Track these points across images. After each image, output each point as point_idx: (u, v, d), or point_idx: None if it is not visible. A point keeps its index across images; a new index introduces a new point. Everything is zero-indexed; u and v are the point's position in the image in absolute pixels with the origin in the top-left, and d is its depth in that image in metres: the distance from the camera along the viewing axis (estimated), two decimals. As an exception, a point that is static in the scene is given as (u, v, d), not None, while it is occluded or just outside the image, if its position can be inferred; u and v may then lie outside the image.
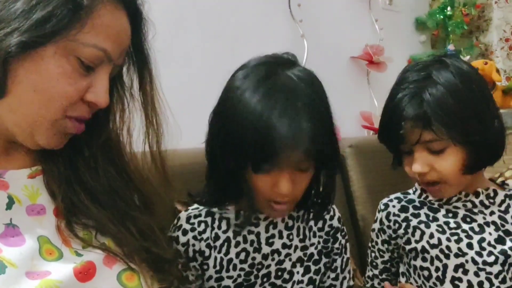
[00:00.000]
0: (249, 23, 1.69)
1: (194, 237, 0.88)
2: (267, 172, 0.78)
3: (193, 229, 0.88)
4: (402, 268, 1.07)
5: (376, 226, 1.08)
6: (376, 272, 1.10)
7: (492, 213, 0.99)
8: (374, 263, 1.10)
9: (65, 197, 0.69)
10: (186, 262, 0.86)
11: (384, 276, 1.10)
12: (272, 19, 1.76)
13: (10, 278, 0.57)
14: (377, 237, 1.08)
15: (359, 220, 1.46)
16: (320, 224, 0.95)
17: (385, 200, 1.09)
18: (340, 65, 1.96)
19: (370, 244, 1.12)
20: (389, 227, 1.05)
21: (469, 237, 0.97)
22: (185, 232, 0.88)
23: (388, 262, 1.09)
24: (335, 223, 0.97)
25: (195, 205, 0.94)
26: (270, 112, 0.74)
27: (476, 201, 0.99)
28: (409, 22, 2.24)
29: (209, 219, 0.90)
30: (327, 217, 0.97)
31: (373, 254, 1.11)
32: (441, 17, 2.17)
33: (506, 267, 0.95)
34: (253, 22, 1.70)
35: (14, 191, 0.66)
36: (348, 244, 1.00)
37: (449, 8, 2.17)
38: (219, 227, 0.89)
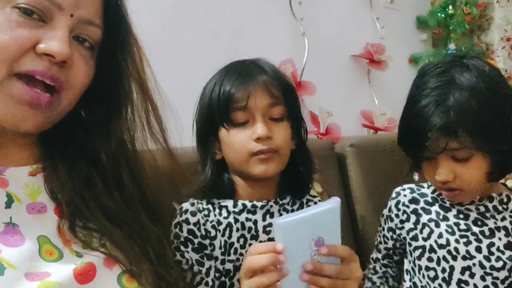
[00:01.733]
0: (249, 21, 1.68)
1: (202, 217, 0.92)
2: (242, 123, 0.89)
3: (199, 211, 0.93)
4: (406, 265, 1.08)
5: (385, 212, 1.09)
6: (380, 256, 1.13)
7: (503, 218, 0.98)
8: (379, 247, 1.13)
9: (71, 203, 0.67)
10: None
11: (385, 261, 1.12)
12: (272, 17, 1.75)
13: (9, 279, 0.57)
14: (385, 223, 1.09)
15: (358, 220, 1.45)
16: None
17: (398, 189, 1.09)
18: (340, 64, 1.95)
19: (379, 228, 1.13)
20: (397, 215, 1.05)
21: (478, 240, 0.96)
22: (193, 213, 0.92)
23: (390, 249, 1.10)
24: None
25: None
26: (225, 75, 0.92)
27: (490, 205, 0.98)
28: (410, 21, 2.22)
29: (210, 207, 0.94)
30: None
31: (378, 239, 1.12)
32: (443, 16, 2.15)
33: None
34: (253, 20, 1.69)
35: (13, 189, 0.65)
36: None
37: (450, 7, 2.15)
38: (220, 214, 0.93)
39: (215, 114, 0.92)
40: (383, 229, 1.09)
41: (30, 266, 0.60)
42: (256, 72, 0.92)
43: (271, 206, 0.94)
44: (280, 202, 0.96)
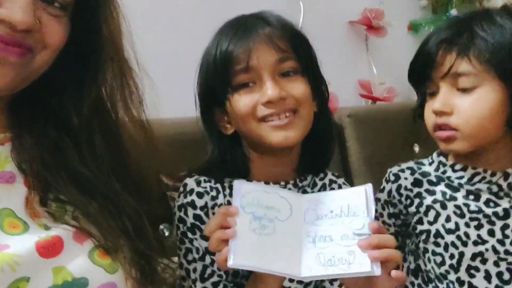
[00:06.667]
0: (242, -17, 1.60)
1: (210, 199, 0.83)
2: (245, 85, 0.79)
3: (207, 192, 0.83)
4: (409, 246, 0.99)
5: (383, 197, 0.97)
6: None
7: None
8: None
9: (39, 175, 0.63)
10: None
11: None
12: (266, -20, 1.67)
13: None
14: (383, 209, 0.98)
15: (357, 193, 1.43)
16: None
17: (395, 170, 0.97)
18: (337, 30, 1.88)
19: None
20: (400, 201, 0.95)
21: (491, 223, 0.87)
22: (200, 195, 0.83)
23: (392, 235, 1.01)
24: None
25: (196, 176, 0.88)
26: (221, 34, 0.84)
27: (504, 184, 0.89)
28: (410, -15, 2.16)
29: (219, 186, 0.84)
30: None
31: None
32: (444, -20, 2.10)
33: None
34: (246, -17, 1.62)
35: None
36: None
37: (452, -29, 2.09)
38: (230, 195, 0.82)
39: (214, 81, 0.81)
40: (381, 215, 0.98)
41: None
42: (257, 24, 0.81)
43: (289, 189, 0.84)
44: (300, 185, 0.86)
